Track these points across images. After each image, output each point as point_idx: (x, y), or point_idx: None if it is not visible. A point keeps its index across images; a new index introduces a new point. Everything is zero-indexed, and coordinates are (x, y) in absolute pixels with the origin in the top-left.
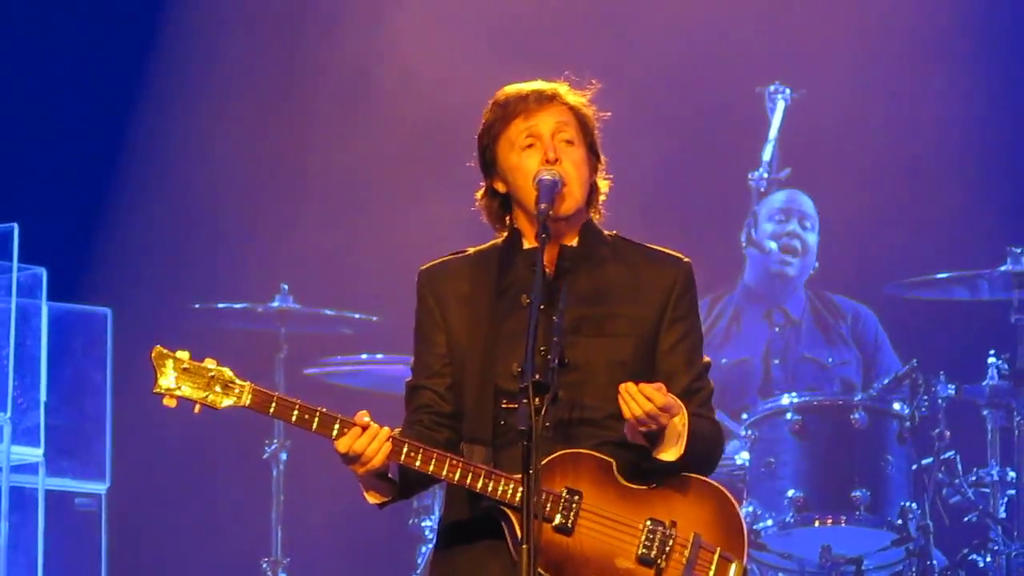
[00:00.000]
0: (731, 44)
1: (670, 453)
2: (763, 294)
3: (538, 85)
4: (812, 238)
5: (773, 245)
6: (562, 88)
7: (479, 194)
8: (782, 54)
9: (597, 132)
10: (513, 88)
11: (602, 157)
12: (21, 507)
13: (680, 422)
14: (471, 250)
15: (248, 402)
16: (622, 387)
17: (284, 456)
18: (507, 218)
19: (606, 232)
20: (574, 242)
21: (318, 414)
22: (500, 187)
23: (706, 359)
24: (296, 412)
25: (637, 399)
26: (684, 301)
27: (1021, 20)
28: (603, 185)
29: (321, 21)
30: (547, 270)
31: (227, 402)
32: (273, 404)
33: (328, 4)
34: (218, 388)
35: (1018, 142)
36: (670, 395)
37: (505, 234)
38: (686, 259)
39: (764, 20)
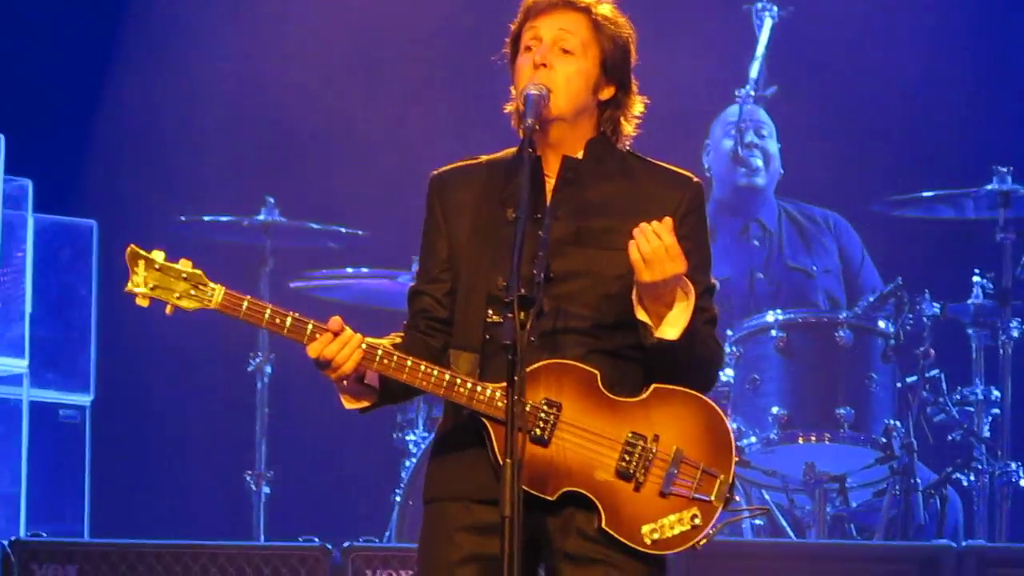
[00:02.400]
0: None
1: (671, 331)
2: (736, 208)
3: None
4: (772, 145)
5: (734, 156)
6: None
7: (513, 92)
8: None
9: (624, 52)
10: None
11: (632, 80)
12: (6, 418)
13: (686, 303)
14: (484, 157)
15: (219, 303)
16: (637, 228)
17: (269, 369)
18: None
19: (619, 148)
20: (579, 154)
21: (290, 317)
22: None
23: (713, 281)
24: (267, 314)
25: (647, 234)
26: (690, 220)
27: None
28: (636, 106)
29: None
30: (548, 181)
31: (198, 303)
32: (244, 304)
33: None
34: (190, 289)
35: (1006, 63)
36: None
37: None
38: (696, 179)
39: None
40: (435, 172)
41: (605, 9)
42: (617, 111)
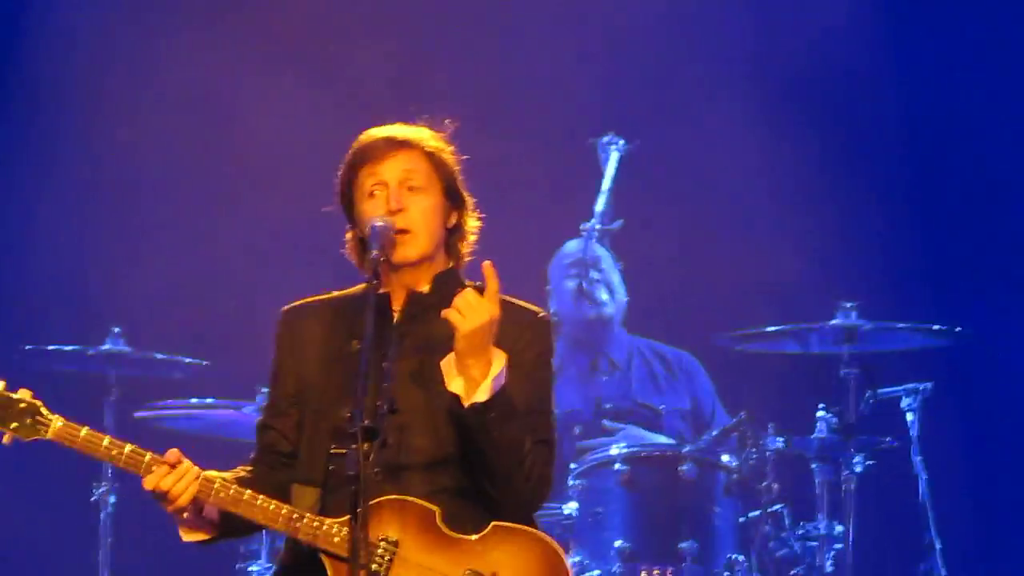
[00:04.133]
0: (565, 94)
1: (484, 393)
2: (585, 343)
3: (391, 131)
4: (614, 276)
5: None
6: (416, 131)
7: (347, 236)
8: (616, 105)
9: (457, 174)
10: (368, 133)
11: (467, 198)
12: None
13: (499, 365)
14: (335, 293)
15: (56, 433)
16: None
17: (112, 499)
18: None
19: (468, 283)
20: (424, 289)
21: (127, 448)
22: (357, 230)
23: (552, 408)
24: (104, 445)
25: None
26: (530, 352)
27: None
28: (472, 225)
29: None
30: (395, 315)
31: (35, 433)
32: (81, 435)
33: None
34: (27, 419)
35: (848, 198)
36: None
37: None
38: (542, 313)
39: (601, 70)
40: (285, 307)
41: (433, 139)
42: (459, 235)
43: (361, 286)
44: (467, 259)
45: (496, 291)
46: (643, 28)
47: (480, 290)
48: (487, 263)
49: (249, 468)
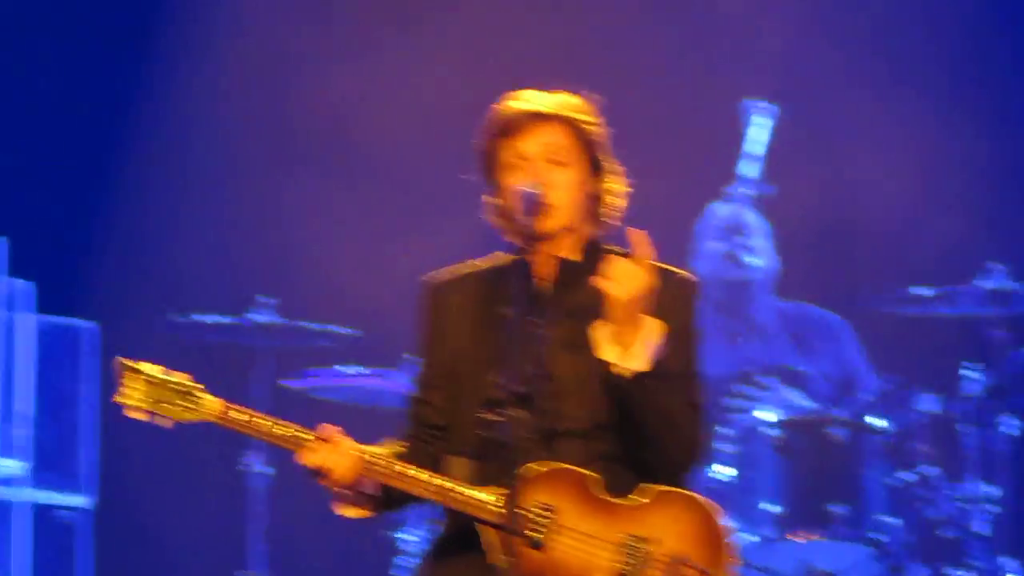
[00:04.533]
0: (713, 56)
1: (635, 361)
2: (729, 308)
3: (532, 102)
4: (761, 243)
5: (725, 255)
6: (555, 100)
7: (491, 202)
8: (766, 69)
9: (601, 143)
10: (508, 104)
11: (614, 167)
12: (5, 519)
13: (651, 335)
14: (477, 262)
15: (215, 416)
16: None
17: (264, 469)
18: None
19: (617, 249)
20: (577, 257)
21: (287, 428)
22: (500, 199)
23: (700, 369)
24: (264, 426)
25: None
26: (681, 316)
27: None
28: (620, 192)
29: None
30: (544, 284)
31: (193, 416)
32: (239, 416)
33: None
34: (187, 402)
35: (997, 159)
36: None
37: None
38: (690, 277)
39: (749, 33)
40: (427, 277)
41: (579, 108)
42: (608, 201)
43: (500, 255)
44: (615, 224)
45: (648, 259)
46: None
47: (627, 256)
48: (634, 231)
49: (403, 443)
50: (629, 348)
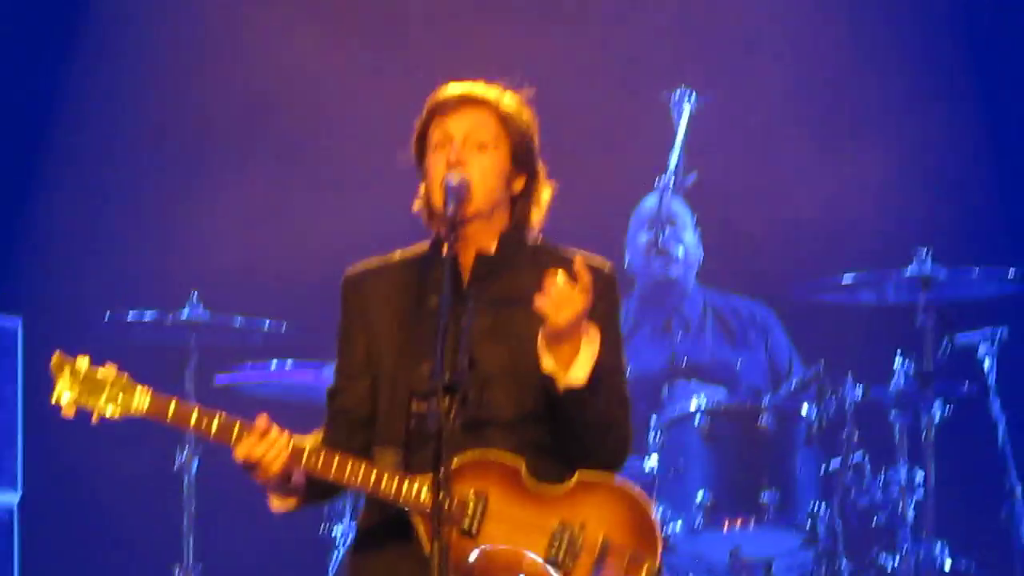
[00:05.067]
0: (636, 48)
1: (580, 373)
2: (658, 302)
3: (467, 87)
4: (688, 235)
5: (650, 248)
6: (491, 89)
7: (420, 191)
8: (688, 58)
9: (530, 139)
10: (444, 88)
11: (539, 166)
12: None
13: (591, 345)
14: (397, 254)
15: (145, 409)
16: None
17: (195, 464)
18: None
19: (530, 240)
20: (492, 248)
21: (216, 419)
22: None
23: (624, 362)
24: (194, 418)
25: (548, 283)
26: (600, 306)
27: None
28: (545, 194)
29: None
30: (464, 275)
31: (124, 410)
32: (171, 410)
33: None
34: (116, 395)
35: (926, 140)
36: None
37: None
38: (607, 265)
39: (671, 23)
40: (348, 270)
41: (511, 101)
42: (528, 201)
43: (421, 245)
44: (540, 225)
45: (589, 285)
46: None
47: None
48: (578, 259)
49: (324, 434)
50: (564, 361)
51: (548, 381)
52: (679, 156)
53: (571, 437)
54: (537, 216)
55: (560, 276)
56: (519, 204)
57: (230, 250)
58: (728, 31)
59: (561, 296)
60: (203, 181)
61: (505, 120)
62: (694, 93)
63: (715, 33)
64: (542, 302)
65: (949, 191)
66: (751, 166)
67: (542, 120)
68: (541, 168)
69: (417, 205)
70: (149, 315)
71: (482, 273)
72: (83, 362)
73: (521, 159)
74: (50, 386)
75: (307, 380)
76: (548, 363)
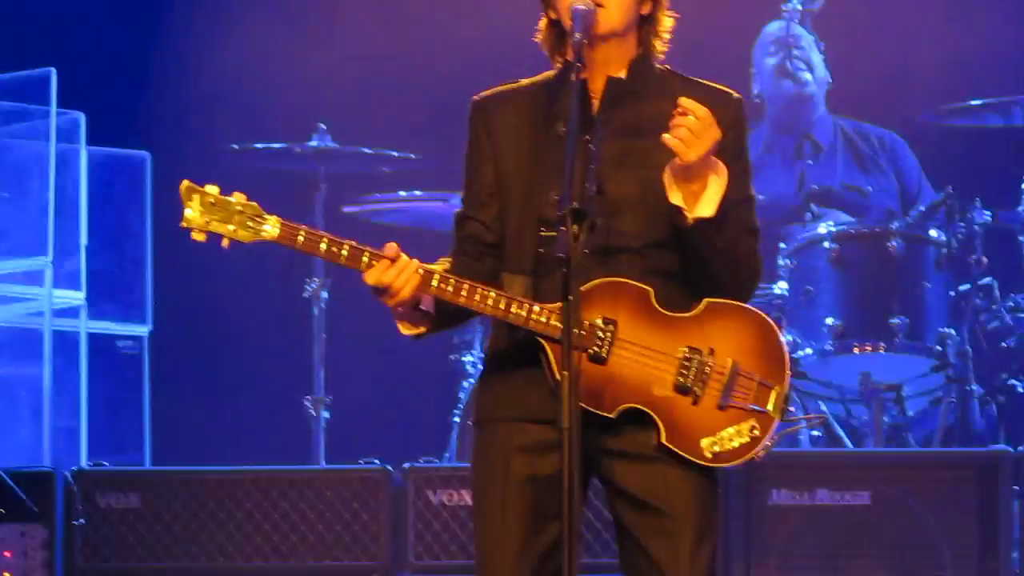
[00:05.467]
0: None
1: (707, 208)
2: (789, 125)
3: None
4: (816, 56)
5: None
6: None
7: (540, 24)
8: None
9: None
10: None
11: None
12: (64, 350)
13: (719, 181)
14: (525, 81)
15: (275, 235)
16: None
17: (325, 294)
18: (562, 49)
19: (659, 67)
20: (622, 75)
21: (346, 246)
22: (553, 15)
23: (753, 193)
24: (324, 244)
25: (683, 117)
26: (729, 136)
27: None
28: (666, 21)
29: None
30: (593, 102)
31: (254, 235)
32: (301, 236)
33: None
34: (246, 222)
35: None
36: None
37: (559, 65)
38: (736, 95)
39: None
40: (476, 96)
41: None
42: (653, 27)
43: (549, 73)
44: (663, 55)
45: (710, 118)
46: None
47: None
48: (682, 100)
49: (452, 260)
50: (694, 194)
51: (676, 214)
52: None
53: (700, 268)
54: (660, 46)
55: (691, 109)
56: (645, 30)
57: (356, 81)
58: None
59: (691, 132)
60: (328, 13)
61: None
62: None
63: None
64: (671, 137)
65: None
66: None
67: None
68: None
69: (540, 35)
70: (277, 146)
71: (612, 98)
72: (213, 189)
73: None
74: (178, 219)
75: (435, 209)
76: (676, 197)
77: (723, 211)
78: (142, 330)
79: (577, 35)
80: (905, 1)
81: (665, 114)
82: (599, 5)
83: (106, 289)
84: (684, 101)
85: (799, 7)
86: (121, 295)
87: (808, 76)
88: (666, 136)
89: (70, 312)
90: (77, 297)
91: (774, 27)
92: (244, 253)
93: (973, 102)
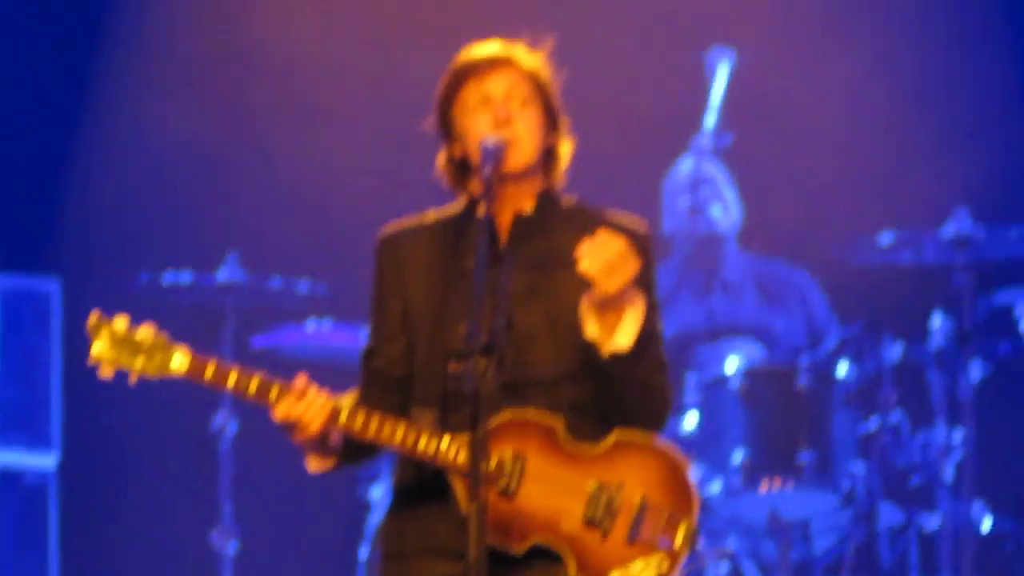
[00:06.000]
0: (672, 6)
1: (624, 339)
2: (699, 261)
3: (492, 48)
4: (728, 194)
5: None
6: (517, 50)
7: (440, 159)
8: (724, 16)
9: (555, 93)
10: (468, 51)
11: (562, 119)
12: None
13: (635, 310)
14: (431, 214)
15: (183, 369)
16: (586, 244)
17: (233, 427)
18: (467, 183)
19: (565, 199)
20: (529, 209)
21: (255, 380)
22: (458, 152)
23: (660, 327)
24: (233, 378)
25: (602, 244)
26: (640, 271)
27: None
28: (566, 148)
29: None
30: (501, 235)
31: (162, 370)
32: (209, 370)
33: None
34: (155, 356)
35: (958, 105)
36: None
37: (465, 199)
38: (644, 230)
39: None
40: (383, 230)
41: (535, 57)
42: (556, 158)
43: (455, 205)
44: (563, 181)
45: (629, 249)
46: None
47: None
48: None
49: (360, 394)
50: (614, 326)
51: (591, 347)
52: (716, 116)
53: (612, 401)
54: (559, 171)
55: (608, 240)
56: (549, 162)
57: (266, 212)
58: None
59: (612, 262)
60: (239, 141)
61: (534, 76)
62: (730, 52)
63: None
64: (589, 267)
65: (986, 150)
66: (787, 125)
67: (572, 81)
68: (564, 123)
69: (441, 167)
70: (185, 276)
71: (520, 233)
72: (121, 322)
73: (551, 115)
74: (87, 348)
75: (344, 342)
76: (592, 329)
77: (640, 344)
78: (49, 461)
79: (487, 170)
80: (817, 135)
81: (573, 246)
82: (510, 143)
83: (14, 419)
84: (602, 233)
85: (708, 141)
86: (29, 425)
87: (719, 214)
88: (585, 265)
89: None
90: None
91: (686, 165)
92: (153, 386)
93: (883, 237)
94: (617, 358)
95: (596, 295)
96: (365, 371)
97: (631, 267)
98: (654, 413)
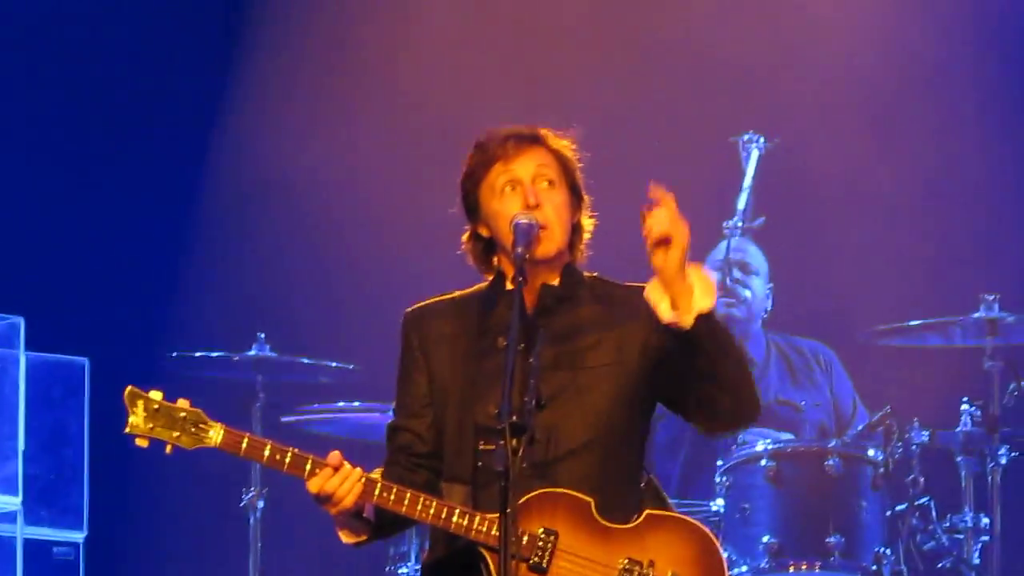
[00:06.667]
0: (704, 93)
1: (706, 300)
2: None
3: (518, 128)
4: (757, 283)
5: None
6: (542, 131)
7: (464, 238)
8: (756, 104)
9: (579, 172)
10: (493, 132)
11: (585, 197)
12: (0, 556)
13: (701, 276)
14: (456, 293)
15: (219, 442)
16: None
17: (261, 504)
18: (492, 261)
19: (586, 274)
20: (555, 283)
21: (290, 454)
22: (484, 231)
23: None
24: (268, 451)
25: (659, 208)
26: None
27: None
28: (588, 223)
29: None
30: (527, 311)
31: (198, 442)
32: (244, 443)
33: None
34: (190, 428)
35: (988, 191)
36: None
37: (490, 277)
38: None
39: (738, 70)
40: (409, 309)
41: (558, 138)
42: (580, 234)
43: (481, 285)
44: (584, 255)
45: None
46: (777, 26)
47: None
48: (653, 186)
49: (384, 470)
50: (687, 299)
51: (672, 330)
52: (747, 199)
53: (709, 376)
54: (582, 247)
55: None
56: (574, 237)
57: (297, 291)
58: (796, 76)
59: (675, 222)
60: (265, 224)
61: (561, 156)
62: (761, 137)
63: (781, 78)
64: (659, 227)
65: (1017, 238)
66: (818, 209)
67: (605, 165)
68: (586, 198)
69: (465, 246)
70: (215, 354)
71: (548, 305)
72: (156, 395)
73: (577, 193)
74: (117, 425)
75: (374, 420)
76: (666, 310)
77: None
78: (78, 536)
79: (519, 249)
80: (845, 220)
81: (597, 316)
82: (543, 227)
83: (42, 494)
84: (655, 187)
85: (739, 224)
86: (58, 500)
87: (747, 296)
88: (655, 228)
89: (6, 517)
90: (13, 502)
91: (723, 246)
92: (181, 461)
93: (911, 322)
94: (704, 317)
95: (670, 261)
96: (391, 446)
97: (683, 232)
98: (750, 395)
